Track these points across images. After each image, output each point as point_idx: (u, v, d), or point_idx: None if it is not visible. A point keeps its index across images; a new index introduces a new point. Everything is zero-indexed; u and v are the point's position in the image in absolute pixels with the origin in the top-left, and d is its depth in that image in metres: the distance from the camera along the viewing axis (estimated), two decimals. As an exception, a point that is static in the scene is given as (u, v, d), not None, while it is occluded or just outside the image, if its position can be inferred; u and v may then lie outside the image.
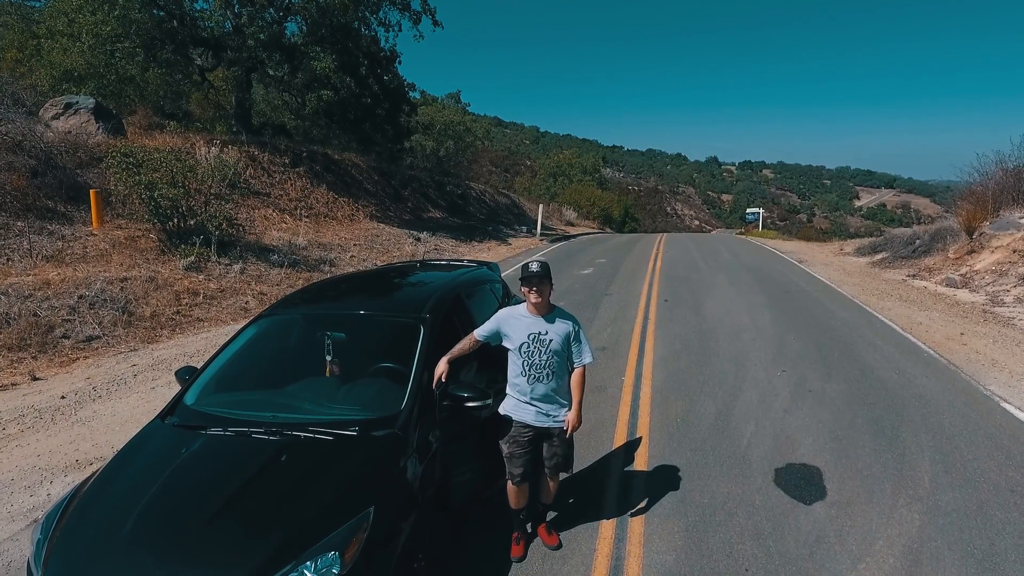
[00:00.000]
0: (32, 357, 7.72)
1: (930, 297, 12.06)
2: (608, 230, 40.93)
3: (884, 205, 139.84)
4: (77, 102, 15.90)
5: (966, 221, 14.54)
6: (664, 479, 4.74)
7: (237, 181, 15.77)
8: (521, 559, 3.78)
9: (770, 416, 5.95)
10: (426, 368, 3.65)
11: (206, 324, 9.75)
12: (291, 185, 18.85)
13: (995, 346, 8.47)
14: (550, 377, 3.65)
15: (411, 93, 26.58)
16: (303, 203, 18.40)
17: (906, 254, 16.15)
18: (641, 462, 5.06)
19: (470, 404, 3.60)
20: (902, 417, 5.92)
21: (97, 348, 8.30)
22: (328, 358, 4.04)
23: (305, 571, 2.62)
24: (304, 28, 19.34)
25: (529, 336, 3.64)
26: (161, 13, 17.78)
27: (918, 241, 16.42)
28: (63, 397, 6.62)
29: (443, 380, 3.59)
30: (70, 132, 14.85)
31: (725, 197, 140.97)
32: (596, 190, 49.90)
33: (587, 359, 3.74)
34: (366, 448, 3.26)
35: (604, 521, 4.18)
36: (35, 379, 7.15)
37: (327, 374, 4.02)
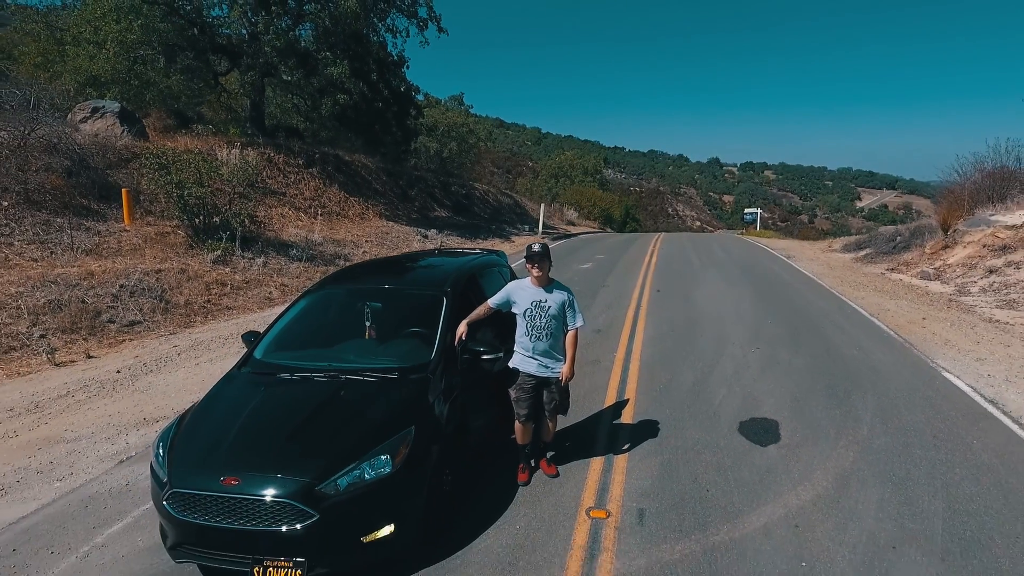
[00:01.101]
0: (83, 339, 8.63)
1: (903, 288, 12.93)
2: (609, 230, 41.75)
3: (886, 206, 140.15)
4: (103, 106, 16.75)
5: (943, 219, 15.43)
6: (646, 429, 5.64)
7: (256, 181, 16.69)
8: (526, 484, 4.68)
9: (741, 383, 6.85)
10: (449, 330, 4.56)
11: (235, 312, 10.67)
12: (305, 185, 19.76)
13: (951, 329, 9.34)
14: (548, 337, 4.53)
15: (415, 96, 27.46)
16: (317, 202, 19.31)
17: (887, 250, 17.03)
18: (627, 417, 5.96)
19: (485, 357, 4.51)
20: (855, 383, 6.82)
21: (140, 332, 9.21)
22: (368, 324, 4.94)
23: (365, 468, 3.52)
24: (316, 35, 20.23)
25: (532, 303, 4.53)
26: (182, 21, 18.68)
27: (899, 238, 17.30)
28: (118, 371, 7.52)
29: (463, 339, 4.48)
30: (97, 135, 15.71)
31: (727, 198, 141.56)
32: (597, 191, 50.58)
33: (579, 323, 4.64)
34: (405, 386, 4.17)
35: (594, 458, 5.07)
36: (90, 357, 8.07)
37: (367, 336, 4.93)
